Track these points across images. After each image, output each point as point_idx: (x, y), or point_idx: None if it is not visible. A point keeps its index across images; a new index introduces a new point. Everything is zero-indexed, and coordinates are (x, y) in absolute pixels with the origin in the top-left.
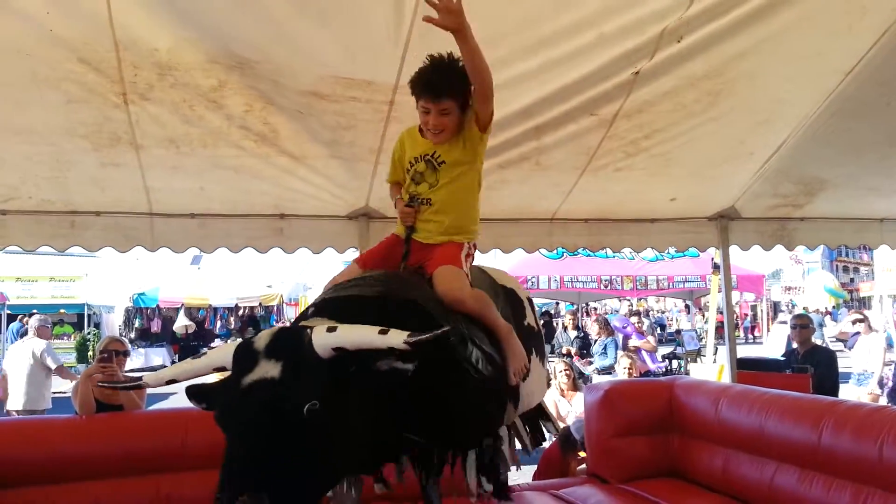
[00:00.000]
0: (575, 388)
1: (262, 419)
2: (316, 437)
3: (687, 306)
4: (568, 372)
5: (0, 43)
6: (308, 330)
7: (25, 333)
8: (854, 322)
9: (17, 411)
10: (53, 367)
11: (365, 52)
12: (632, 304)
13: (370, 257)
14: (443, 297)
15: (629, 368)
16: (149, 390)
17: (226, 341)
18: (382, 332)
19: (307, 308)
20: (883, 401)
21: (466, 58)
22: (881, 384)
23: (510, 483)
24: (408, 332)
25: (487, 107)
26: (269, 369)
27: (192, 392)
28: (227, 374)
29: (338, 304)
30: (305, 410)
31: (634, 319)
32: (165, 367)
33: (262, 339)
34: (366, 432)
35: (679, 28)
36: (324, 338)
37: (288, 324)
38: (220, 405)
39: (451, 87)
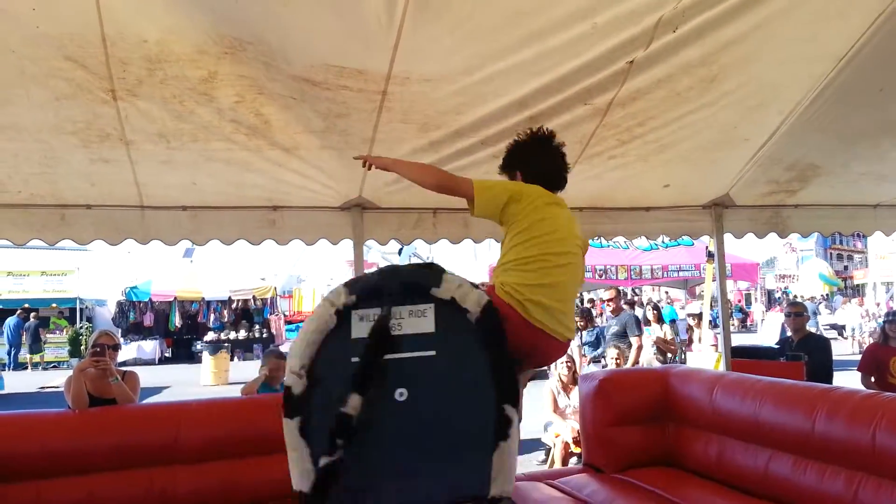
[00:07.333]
0: (575, 381)
1: None
2: None
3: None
4: (569, 364)
5: None
6: None
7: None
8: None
9: None
10: None
11: (356, 40)
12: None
13: None
14: None
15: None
16: (142, 385)
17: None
18: None
19: None
20: None
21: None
22: None
23: None
24: None
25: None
26: None
27: None
28: None
29: None
30: None
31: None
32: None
33: None
34: None
35: (674, 18)
36: None
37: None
38: None
39: None
